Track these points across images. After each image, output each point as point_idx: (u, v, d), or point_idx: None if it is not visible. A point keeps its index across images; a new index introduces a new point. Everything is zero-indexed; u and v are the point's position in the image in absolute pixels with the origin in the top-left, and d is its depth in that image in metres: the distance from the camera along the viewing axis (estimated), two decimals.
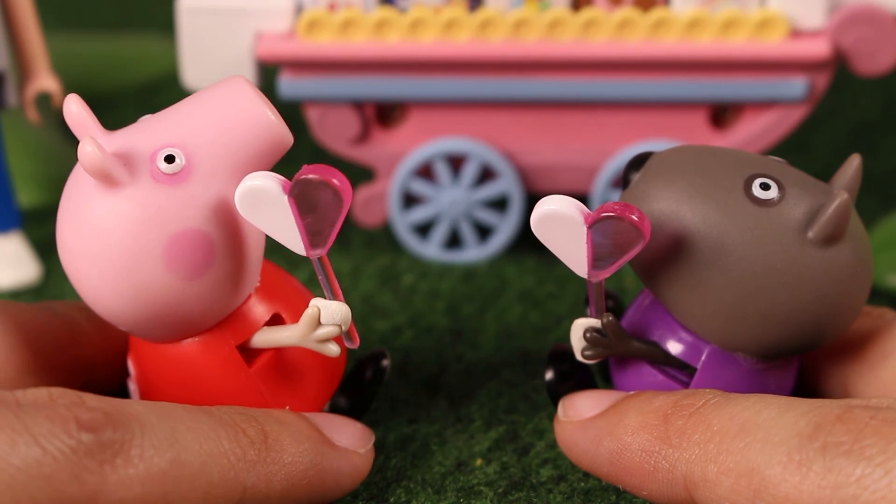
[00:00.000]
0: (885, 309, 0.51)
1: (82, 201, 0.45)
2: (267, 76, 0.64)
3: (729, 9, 0.61)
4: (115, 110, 0.78)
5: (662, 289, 0.47)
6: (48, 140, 0.72)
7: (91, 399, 0.44)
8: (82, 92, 0.50)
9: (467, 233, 0.65)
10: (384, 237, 0.67)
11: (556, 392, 0.50)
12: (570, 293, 0.63)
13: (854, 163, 0.48)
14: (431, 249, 0.65)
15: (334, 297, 0.47)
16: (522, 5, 0.62)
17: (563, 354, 0.50)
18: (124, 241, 0.45)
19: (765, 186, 0.47)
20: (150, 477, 0.43)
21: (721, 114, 0.64)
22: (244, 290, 0.47)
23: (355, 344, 0.48)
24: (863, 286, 0.47)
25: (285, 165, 0.48)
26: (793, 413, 0.43)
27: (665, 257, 0.47)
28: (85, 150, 0.44)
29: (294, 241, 0.45)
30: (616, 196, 0.64)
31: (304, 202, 0.44)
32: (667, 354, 0.49)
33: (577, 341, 0.49)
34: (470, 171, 0.64)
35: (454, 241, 0.66)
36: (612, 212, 0.45)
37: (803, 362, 0.51)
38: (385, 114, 0.65)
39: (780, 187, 0.47)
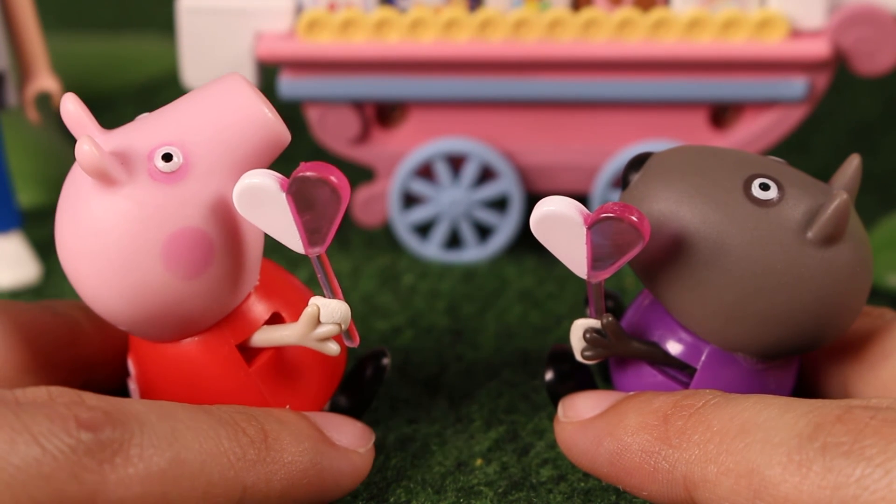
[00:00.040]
0: (885, 309, 0.51)
1: (80, 200, 0.45)
2: (267, 76, 0.64)
3: (729, 9, 0.61)
4: (114, 110, 0.78)
5: (662, 289, 0.47)
6: (48, 140, 0.72)
7: (91, 398, 0.44)
8: (82, 92, 0.50)
9: (467, 233, 0.65)
10: (384, 237, 0.67)
11: (556, 392, 0.50)
12: (570, 293, 0.63)
13: (854, 163, 0.48)
14: (431, 249, 0.65)
15: (334, 296, 0.47)
16: (522, 5, 0.62)
17: (563, 355, 0.50)
18: (122, 240, 0.45)
19: (764, 187, 0.47)
20: (150, 476, 0.43)
21: (721, 114, 0.64)
22: (243, 288, 0.47)
23: (355, 343, 0.48)
24: (863, 286, 0.47)
25: (285, 165, 0.48)
26: (793, 413, 0.43)
27: (665, 258, 0.47)
28: (82, 150, 0.44)
29: (292, 238, 0.45)
30: (616, 196, 0.64)
31: (302, 200, 0.44)
32: (667, 355, 0.49)
33: (576, 342, 0.49)
34: (470, 171, 0.64)
35: (454, 241, 0.66)
36: (611, 212, 0.45)
37: (803, 362, 0.51)
38: (385, 114, 0.65)
39: (780, 187, 0.47)
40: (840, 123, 0.78)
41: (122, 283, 0.45)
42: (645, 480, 0.46)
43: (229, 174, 0.46)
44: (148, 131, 0.46)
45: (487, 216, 0.65)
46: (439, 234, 0.65)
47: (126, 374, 0.51)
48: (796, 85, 0.62)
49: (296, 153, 0.55)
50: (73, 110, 0.45)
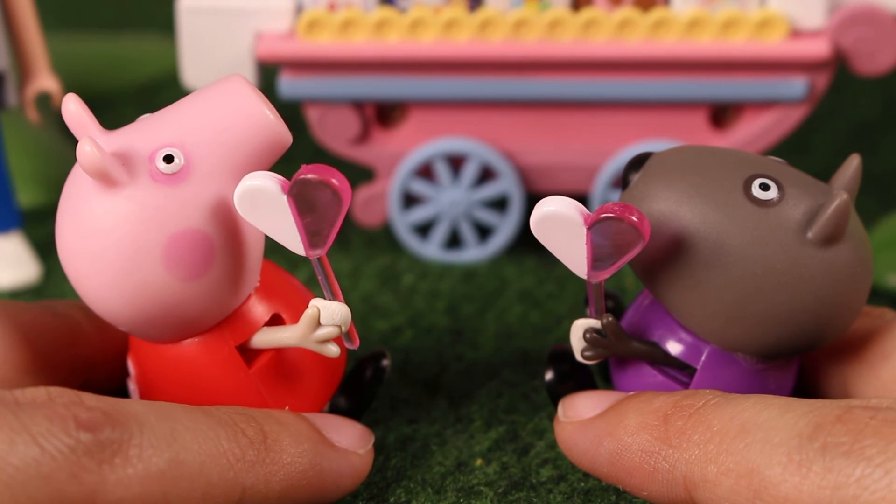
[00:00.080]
0: (885, 309, 0.51)
1: (81, 201, 0.45)
2: (267, 76, 0.64)
3: (729, 9, 0.61)
4: (114, 110, 0.78)
5: (662, 289, 0.47)
6: (48, 140, 0.72)
7: (90, 398, 0.43)
8: (82, 92, 0.50)
9: (467, 233, 0.65)
10: (384, 237, 0.67)
11: (556, 392, 0.50)
12: (570, 293, 0.62)
13: (854, 163, 0.48)
14: (431, 249, 0.65)
15: (334, 298, 0.47)
16: (522, 5, 0.62)
17: (563, 355, 0.50)
18: (123, 241, 0.45)
19: (764, 187, 0.47)
20: (149, 477, 0.42)
21: (721, 114, 0.64)
22: (244, 290, 0.47)
23: (355, 345, 0.48)
24: (863, 286, 0.47)
25: (285, 165, 0.48)
26: (793, 413, 0.43)
27: (665, 258, 0.47)
28: (83, 150, 0.44)
29: (293, 241, 0.45)
30: (616, 196, 0.64)
31: (304, 202, 0.44)
32: (667, 355, 0.49)
33: (576, 342, 0.49)
34: (470, 171, 0.64)
35: (454, 241, 0.66)
36: (611, 212, 0.45)
37: (803, 362, 0.51)
38: (385, 114, 0.65)
39: (780, 187, 0.47)
40: (840, 123, 0.78)
41: (123, 283, 0.45)
42: (645, 480, 0.46)
43: (230, 176, 0.46)
44: (149, 132, 0.46)
45: (487, 216, 0.65)
46: (439, 234, 0.65)
47: (126, 374, 0.51)
48: (796, 85, 0.62)
49: (296, 153, 0.55)
50: (74, 111, 0.45)
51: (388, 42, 0.62)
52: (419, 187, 0.64)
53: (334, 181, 0.44)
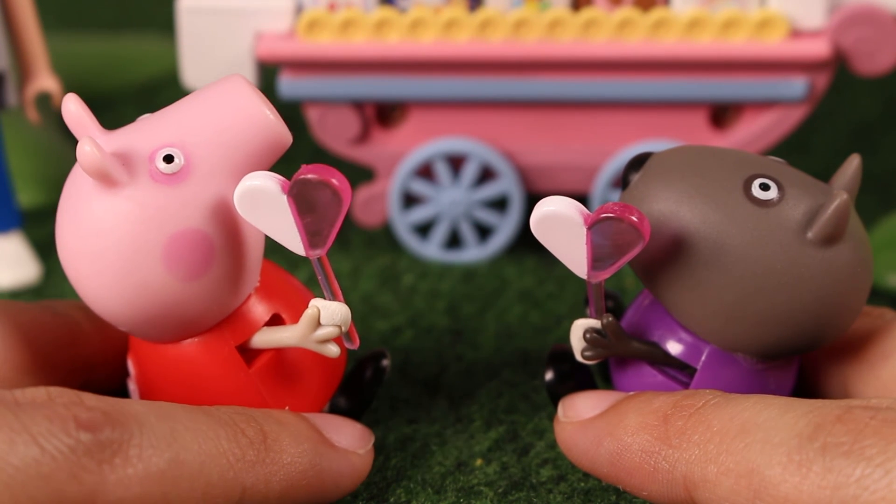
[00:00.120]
0: (885, 309, 0.51)
1: (81, 201, 0.45)
2: (267, 76, 0.64)
3: (729, 9, 0.61)
4: (114, 110, 0.78)
5: (662, 289, 0.47)
6: (48, 140, 0.72)
7: (90, 398, 0.43)
8: (82, 92, 0.50)
9: (467, 233, 0.65)
10: (384, 237, 0.67)
11: (556, 392, 0.50)
12: (570, 293, 0.62)
13: (854, 163, 0.48)
14: (431, 249, 0.65)
15: (334, 298, 0.47)
16: (522, 5, 0.62)
17: (563, 355, 0.50)
18: (123, 241, 0.45)
19: (764, 187, 0.47)
20: (149, 477, 0.42)
21: (721, 114, 0.64)
22: (244, 290, 0.47)
23: (355, 345, 0.48)
24: (863, 286, 0.47)
25: (285, 165, 0.48)
26: (793, 413, 0.43)
27: (665, 258, 0.47)
28: (83, 151, 0.44)
29: (293, 241, 0.45)
30: (616, 196, 0.64)
31: (304, 202, 0.44)
32: (667, 355, 0.49)
33: (576, 342, 0.49)
34: (470, 171, 0.64)
35: (454, 241, 0.66)
36: (611, 212, 0.45)
37: (803, 362, 0.51)
38: (385, 114, 0.65)
39: (780, 188, 0.47)
40: (840, 123, 0.78)
41: (123, 283, 0.45)
42: (645, 480, 0.46)
43: (230, 176, 0.46)
44: (149, 132, 0.46)
45: (487, 216, 0.65)
46: (439, 234, 0.65)
47: (126, 374, 0.51)
48: (796, 85, 0.62)
49: (296, 153, 0.55)
50: (74, 111, 0.45)
51: (388, 42, 0.62)
52: (419, 187, 0.64)
53: (334, 181, 0.44)
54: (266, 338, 0.48)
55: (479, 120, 0.64)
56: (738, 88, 0.62)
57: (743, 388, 0.48)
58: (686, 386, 0.49)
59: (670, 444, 0.45)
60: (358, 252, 0.66)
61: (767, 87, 0.62)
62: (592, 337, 0.48)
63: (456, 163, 0.65)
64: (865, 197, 0.61)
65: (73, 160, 0.47)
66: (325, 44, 0.62)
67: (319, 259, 0.46)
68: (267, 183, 0.44)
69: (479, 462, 0.51)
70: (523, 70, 0.63)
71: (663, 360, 0.49)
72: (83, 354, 0.51)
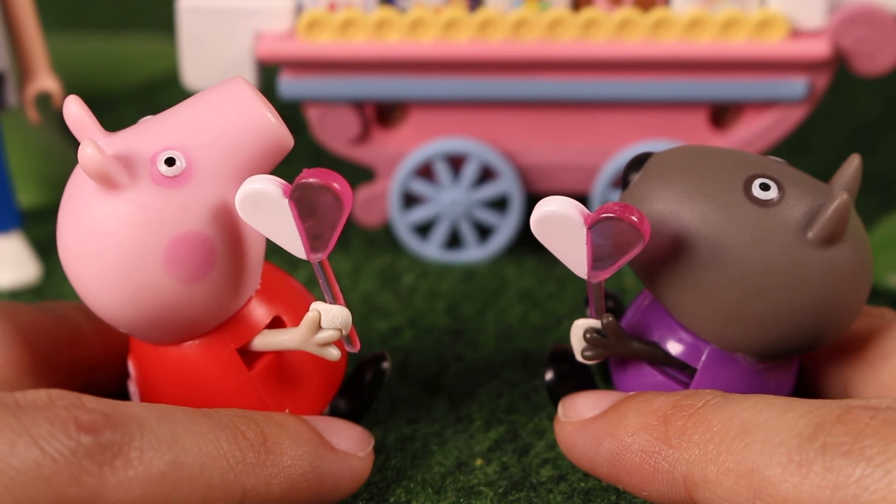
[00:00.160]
0: (885, 309, 0.51)
1: (82, 203, 0.45)
2: (267, 76, 0.64)
3: (729, 9, 0.61)
4: (115, 110, 0.78)
5: (662, 289, 0.47)
6: (48, 140, 0.72)
7: (90, 401, 0.43)
8: (82, 92, 0.50)
9: (467, 233, 0.65)
10: (384, 237, 0.67)
11: (556, 392, 0.50)
12: (570, 293, 0.63)
13: (854, 163, 0.48)
14: (431, 249, 0.65)
15: (335, 301, 0.47)
16: (522, 5, 0.62)
17: (563, 355, 0.50)
18: (124, 244, 0.45)
19: (764, 187, 0.47)
20: (150, 479, 0.42)
21: (721, 114, 0.64)
22: (244, 292, 0.47)
23: (356, 348, 0.48)
24: (863, 286, 0.47)
25: (285, 166, 0.48)
26: (793, 413, 0.43)
27: (665, 258, 0.47)
28: (85, 153, 0.44)
29: (294, 244, 0.45)
30: (616, 196, 0.64)
31: (305, 206, 0.44)
32: (667, 355, 0.49)
33: (577, 342, 0.49)
34: (470, 171, 0.64)
35: (454, 241, 0.66)
36: (611, 212, 0.45)
37: (803, 362, 0.51)
38: (385, 114, 0.65)
39: (780, 188, 0.47)
40: (840, 123, 0.78)
41: (124, 286, 0.45)
42: (645, 480, 0.46)
43: (232, 179, 0.46)
44: (151, 135, 0.46)
45: (487, 216, 0.65)
46: (439, 234, 0.65)
47: (126, 376, 0.51)
48: (796, 85, 0.62)
49: (296, 153, 0.55)
50: (76, 112, 0.45)
51: (388, 42, 0.62)
52: (419, 187, 0.64)
53: (336, 185, 0.44)
54: (266, 340, 0.48)
55: (479, 120, 0.64)
56: (738, 88, 0.62)
57: (743, 388, 0.48)
58: (686, 386, 0.49)
59: (670, 444, 0.45)
60: (358, 252, 0.66)
61: (767, 87, 0.62)
62: (592, 337, 0.48)
63: (456, 163, 0.65)
64: (865, 197, 0.61)
65: (74, 160, 0.47)
66: (325, 44, 0.62)
67: (320, 262, 0.46)
68: (268, 186, 0.44)
69: (479, 462, 0.51)
70: (523, 70, 0.63)
71: (663, 360, 0.49)
72: (84, 356, 0.51)
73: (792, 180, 0.47)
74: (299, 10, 0.63)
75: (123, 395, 0.51)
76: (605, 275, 0.46)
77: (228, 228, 0.46)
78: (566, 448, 0.49)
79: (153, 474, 0.43)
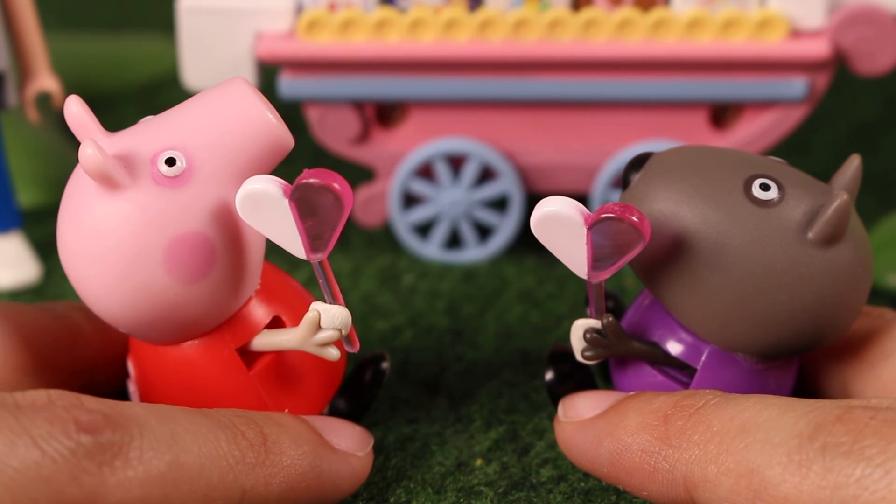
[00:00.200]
0: (885, 309, 0.51)
1: (83, 203, 0.45)
2: (267, 76, 0.64)
3: (729, 9, 0.61)
4: (115, 110, 0.78)
5: (662, 289, 0.47)
6: (48, 140, 0.72)
7: (90, 401, 0.43)
8: (82, 92, 0.50)
9: (467, 233, 0.65)
10: (384, 237, 0.67)
11: (556, 392, 0.50)
12: (570, 293, 0.63)
13: (854, 163, 0.48)
14: (431, 249, 0.65)
15: (335, 301, 0.47)
16: (522, 5, 0.62)
17: (563, 355, 0.50)
18: (124, 244, 0.45)
19: (765, 187, 0.47)
20: (149, 479, 0.42)
21: (721, 114, 0.64)
22: (244, 293, 0.47)
23: (355, 348, 0.48)
24: (863, 286, 0.47)
25: (285, 166, 0.48)
26: (793, 413, 0.43)
27: (665, 258, 0.47)
28: (86, 153, 0.44)
29: (295, 244, 0.45)
30: (616, 196, 0.64)
31: (305, 206, 0.44)
32: (667, 355, 0.49)
33: (577, 342, 0.49)
34: (470, 171, 0.64)
35: (454, 241, 0.66)
36: (611, 213, 0.45)
37: (803, 362, 0.51)
38: (385, 114, 0.65)
39: (780, 188, 0.47)
40: (840, 123, 0.78)
41: (124, 286, 0.45)
42: (645, 480, 0.46)
43: (232, 179, 0.46)
44: (151, 135, 0.46)
45: (487, 216, 0.65)
46: (439, 234, 0.65)
47: (126, 376, 0.51)
48: (796, 85, 0.62)
49: (296, 153, 0.55)
50: (77, 113, 0.45)
51: (388, 42, 0.62)
52: (419, 187, 0.64)
53: (336, 185, 0.44)
54: (266, 340, 0.48)
55: (479, 120, 0.64)
56: (738, 88, 0.62)
57: (743, 388, 0.48)
58: (686, 386, 0.49)
59: (670, 444, 0.45)
60: (358, 252, 0.66)
61: (767, 87, 0.62)
62: (592, 337, 0.48)
63: (456, 163, 0.65)
64: (865, 197, 0.61)
65: (74, 160, 0.47)
66: (325, 44, 0.62)
67: (320, 262, 0.46)
68: (269, 186, 0.44)
69: (479, 462, 0.51)
70: (523, 70, 0.63)
71: (663, 360, 0.49)
72: (84, 356, 0.51)
73: (792, 180, 0.47)
74: (299, 10, 0.63)
75: (123, 395, 0.51)
76: (605, 275, 0.46)
77: (228, 228, 0.46)
78: (566, 448, 0.49)
79: (153, 474, 0.43)
